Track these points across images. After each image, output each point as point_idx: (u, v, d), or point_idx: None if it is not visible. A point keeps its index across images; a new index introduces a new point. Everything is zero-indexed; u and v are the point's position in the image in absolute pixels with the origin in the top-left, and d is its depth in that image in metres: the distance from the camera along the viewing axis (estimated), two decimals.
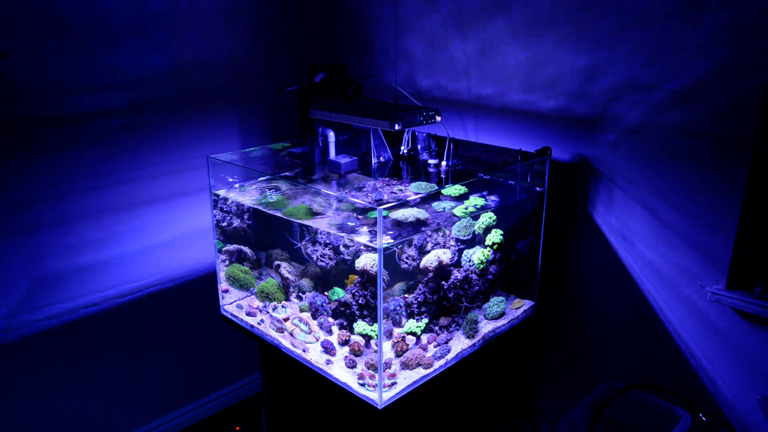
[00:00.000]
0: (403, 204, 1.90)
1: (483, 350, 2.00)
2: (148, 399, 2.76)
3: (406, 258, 1.91)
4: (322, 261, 2.03)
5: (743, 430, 1.87)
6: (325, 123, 2.26)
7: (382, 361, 1.74)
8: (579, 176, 2.10)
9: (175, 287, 2.73)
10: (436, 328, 1.95)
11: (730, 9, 1.64)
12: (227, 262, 2.29)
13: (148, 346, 2.69)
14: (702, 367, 1.92)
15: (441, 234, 1.95)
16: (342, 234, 1.91)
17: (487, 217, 1.97)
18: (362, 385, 1.77)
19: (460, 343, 1.95)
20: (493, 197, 2.06)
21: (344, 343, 1.93)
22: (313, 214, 1.98)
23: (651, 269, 1.98)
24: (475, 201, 1.99)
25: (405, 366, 1.82)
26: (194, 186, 2.67)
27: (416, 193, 2.04)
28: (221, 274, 2.29)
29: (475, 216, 1.95)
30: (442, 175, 2.20)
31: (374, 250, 1.79)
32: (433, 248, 1.93)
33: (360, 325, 1.89)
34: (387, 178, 2.17)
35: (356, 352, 1.87)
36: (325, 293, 2.03)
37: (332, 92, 2.37)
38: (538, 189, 2.10)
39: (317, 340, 1.98)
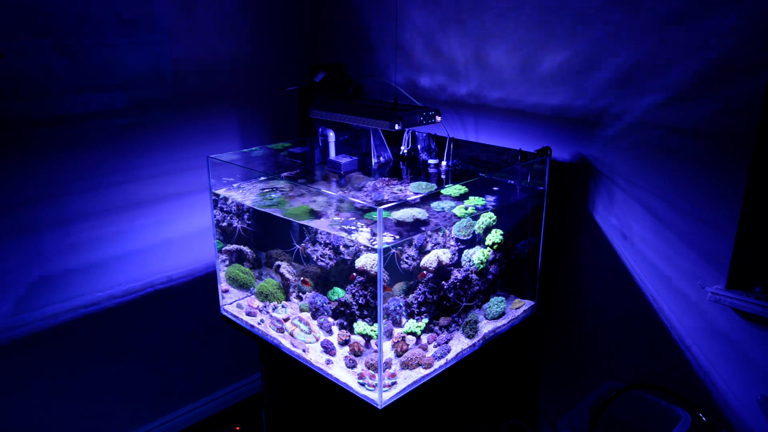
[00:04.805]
0: (403, 204, 1.90)
1: (483, 350, 2.00)
2: (148, 399, 2.76)
3: (406, 258, 1.91)
4: (322, 261, 2.03)
5: (743, 430, 1.87)
6: (325, 123, 2.26)
7: (382, 361, 1.74)
8: (579, 176, 2.10)
9: (175, 287, 2.73)
10: (436, 328, 1.95)
11: (729, 9, 1.64)
12: (227, 262, 2.29)
13: (148, 346, 2.69)
14: (702, 367, 1.92)
15: (441, 234, 1.95)
16: (342, 234, 1.91)
17: (487, 217, 1.97)
18: (362, 385, 1.77)
19: (460, 343, 1.95)
20: (493, 197, 2.06)
21: (344, 343, 1.93)
22: (314, 213, 1.98)
23: (651, 269, 1.98)
24: (475, 201, 1.98)
25: (405, 366, 1.82)
26: (194, 186, 2.67)
27: (416, 193, 2.04)
28: (221, 274, 2.29)
29: (475, 216, 1.95)
30: (442, 175, 2.20)
31: (374, 250, 1.79)
32: (433, 248, 1.93)
33: (360, 325, 1.89)
34: (387, 178, 2.17)
35: (356, 352, 1.87)
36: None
37: (332, 92, 2.37)
38: (538, 189, 2.10)
39: (317, 340, 1.98)
